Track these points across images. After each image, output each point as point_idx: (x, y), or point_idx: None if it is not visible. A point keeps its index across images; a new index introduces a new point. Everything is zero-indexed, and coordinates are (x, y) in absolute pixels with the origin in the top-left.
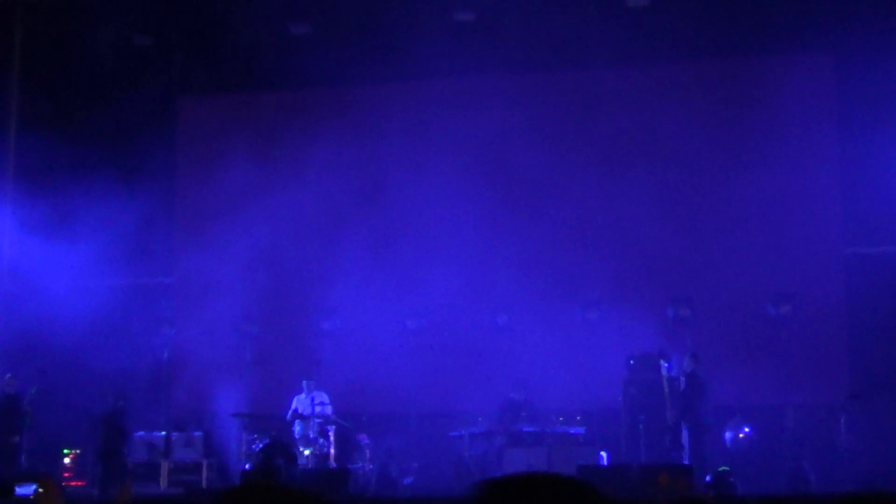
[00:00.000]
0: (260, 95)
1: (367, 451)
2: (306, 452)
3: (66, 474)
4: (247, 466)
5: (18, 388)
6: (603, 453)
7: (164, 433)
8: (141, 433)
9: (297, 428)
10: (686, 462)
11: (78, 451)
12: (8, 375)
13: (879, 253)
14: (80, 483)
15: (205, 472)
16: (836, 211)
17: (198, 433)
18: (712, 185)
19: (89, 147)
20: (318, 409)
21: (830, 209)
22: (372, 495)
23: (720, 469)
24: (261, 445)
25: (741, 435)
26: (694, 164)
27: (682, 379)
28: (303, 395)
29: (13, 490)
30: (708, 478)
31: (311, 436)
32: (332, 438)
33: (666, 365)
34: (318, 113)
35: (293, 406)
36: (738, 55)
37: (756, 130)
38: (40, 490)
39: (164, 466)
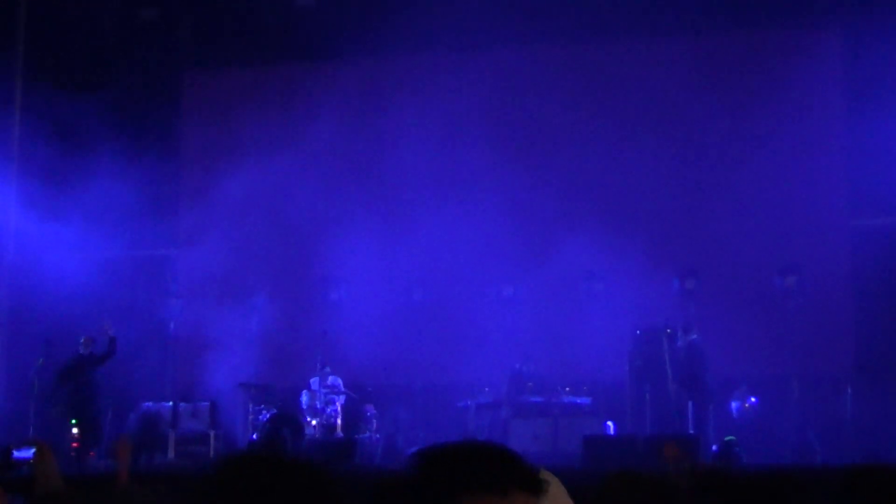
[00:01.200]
0: (265, 68)
1: (374, 422)
2: (313, 423)
3: (74, 444)
4: (254, 437)
5: (93, 350)
6: (609, 424)
7: (170, 404)
8: (148, 404)
9: (304, 398)
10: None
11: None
12: (84, 338)
13: (885, 224)
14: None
15: (212, 443)
16: (842, 183)
17: (204, 404)
18: (719, 157)
19: (95, 120)
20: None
21: (836, 181)
22: (378, 465)
23: (726, 439)
24: (268, 416)
25: (747, 405)
26: (700, 136)
27: (683, 350)
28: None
29: (11, 454)
30: (714, 447)
31: (318, 406)
32: (338, 409)
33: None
34: (324, 85)
35: (312, 387)
36: (745, 28)
37: (763, 103)
38: (38, 453)
39: (172, 437)
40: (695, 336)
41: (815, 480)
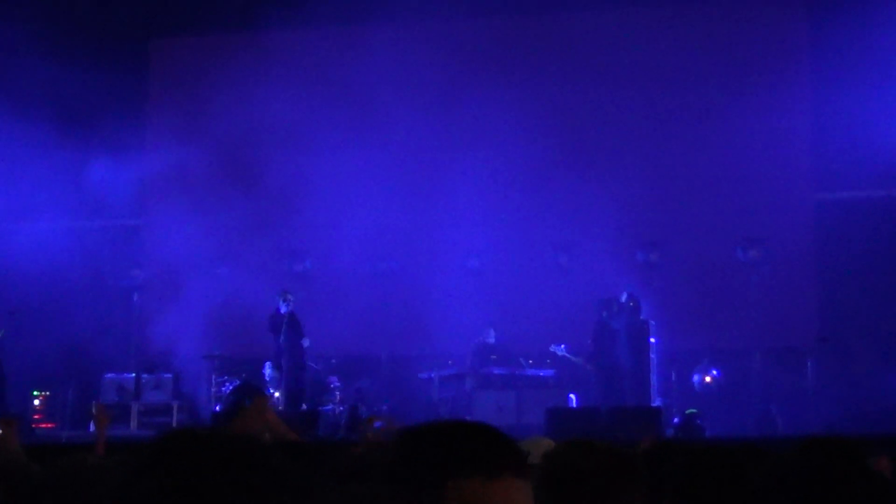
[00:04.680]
0: (234, 36)
1: (338, 393)
2: (276, 394)
3: (35, 416)
4: (217, 408)
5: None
6: (572, 396)
7: (133, 375)
8: (111, 375)
9: (267, 370)
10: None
11: (48, 393)
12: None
13: (848, 198)
14: (49, 425)
15: (175, 414)
16: (806, 156)
17: (168, 375)
18: (683, 130)
19: (59, 87)
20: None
21: (800, 154)
22: (342, 437)
23: (688, 411)
24: (231, 387)
25: (709, 378)
26: (664, 108)
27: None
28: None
29: None
30: (676, 420)
31: (281, 377)
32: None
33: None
34: (292, 54)
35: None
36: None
37: (727, 75)
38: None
39: (135, 408)
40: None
41: (776, 451)
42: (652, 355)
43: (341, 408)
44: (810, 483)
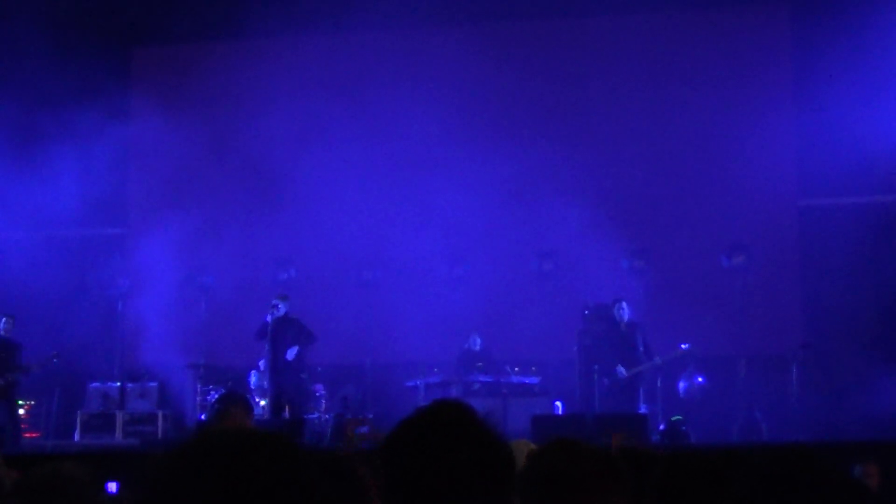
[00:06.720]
0: (216, 44)
1: (323, 402)
2: (262, 403)
3: (21, 425)
4: (202, 417)
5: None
6: (558, 403)
7: (118, 384)
8: (95, 384)
9: (252, 378)
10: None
11: (32, 403)
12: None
13: (833, 204)
14: (34, 434)
15: (160, 423)
16: (791, 162)
17: (153, 384)
18: (667, 136)
19: (42, 96)
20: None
21: (785, 160)
22: (327, 445)
23: (673, 418)
24: (216, 396)
25: (694, 385)
26: (649, 115)
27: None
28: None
29: None
30: (661, 426)
31: (267, 386)
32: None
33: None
34: (275, 62)
35: (260, 368)
36: (694, 8)
37: (712, 82)
38: None
39: (119, 417)
40: (626, 318)
41: (760, 458)
42: None
43: (327, 416)
44: (788, 491)
